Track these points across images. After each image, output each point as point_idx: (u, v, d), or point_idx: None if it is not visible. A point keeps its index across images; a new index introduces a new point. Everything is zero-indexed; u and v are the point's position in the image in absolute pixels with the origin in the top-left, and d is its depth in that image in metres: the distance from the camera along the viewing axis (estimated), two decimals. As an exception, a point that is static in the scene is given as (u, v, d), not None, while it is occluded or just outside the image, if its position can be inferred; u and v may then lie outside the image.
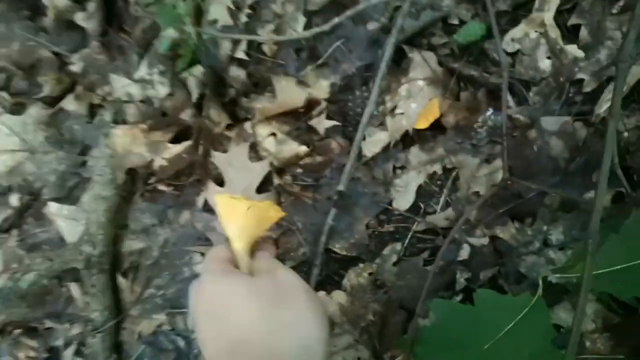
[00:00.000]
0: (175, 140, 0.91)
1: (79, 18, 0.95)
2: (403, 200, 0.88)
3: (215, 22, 0.89)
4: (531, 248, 0.82)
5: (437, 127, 0.87)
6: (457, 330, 0.71)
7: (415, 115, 0.86)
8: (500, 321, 0.68)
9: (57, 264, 0.87)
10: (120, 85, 0.90)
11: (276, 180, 0.89)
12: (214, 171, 0.92)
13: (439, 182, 0.88)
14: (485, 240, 0.83)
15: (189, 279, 0.90)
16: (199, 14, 0.88)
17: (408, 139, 0.88)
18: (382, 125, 0.89)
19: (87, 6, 0.94)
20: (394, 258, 0.87)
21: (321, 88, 0.90)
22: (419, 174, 0.88)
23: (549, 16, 0.85)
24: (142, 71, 0.90)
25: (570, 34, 0.86)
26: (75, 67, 0.96)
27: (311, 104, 0.90)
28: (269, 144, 0.90)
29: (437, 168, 0.87)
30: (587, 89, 0.84)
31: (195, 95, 0.89)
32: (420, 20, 0.87)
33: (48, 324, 0.93)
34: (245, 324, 0.43)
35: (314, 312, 0.46)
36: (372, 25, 0.90)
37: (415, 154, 0.88)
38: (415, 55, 0.87)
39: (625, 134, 0.81)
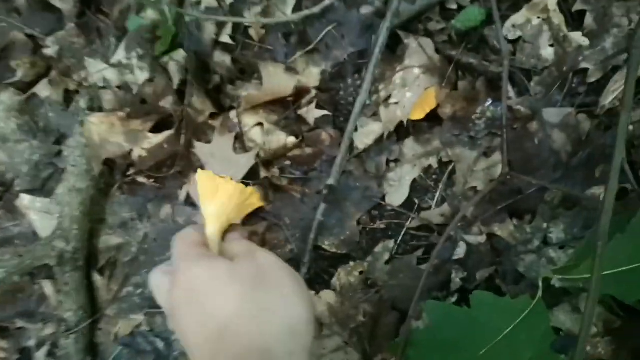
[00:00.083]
0: (156, 129, 0.85)
1: (54, -2, 0.89)
2: (396, 195, 0.83)
3: (198, 3, 0.84)
4: (530, 247, 0.78)
5: (433, 118, 0.82)
6: (452, 333, 0.67)
7: (411, 105, 0.81)
8: (498, 325, 0.65)
9: (28, 260, 0.82)
10: (97, 70, 0.84)
11: (263, 173, 0.84)
12: (197, 163, 0.87)
13: (434, 177, 0.84)
14: (482, 238, 0.79)
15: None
16: (179, -6, 0.83)
17: (402, 131, 0.84)
18: (375, 115, 0.84)
19: (62, -15, 0.88)
20: (387, 256, 0.82)
21: (311, 75, 0.85)
22: (413, 168, 0.83)
23: (552, 1, 0.80)
24: (120, 55, 0.84)
25: (575, 21, 0.81)
26: (50, 50, 0.90)
27: (300, 92, 0.85)
28: (255, 134, 0.85)
29: (433, 161, 0.83)
30: (592, 79, 0.79)
31: (176, 81, 0.83)
32: (416, 5, 0.83)
33: (19, 323, 0.88)
34: (230, 308, 0.41)
35: (298, 293, 0.45)
36: (365, 9, 0.85)
37: (410, 146, 0.83)
38: (411, 42, 0.82)
39: (630, 127, 0.77)
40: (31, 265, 0.83)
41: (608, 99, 0.77)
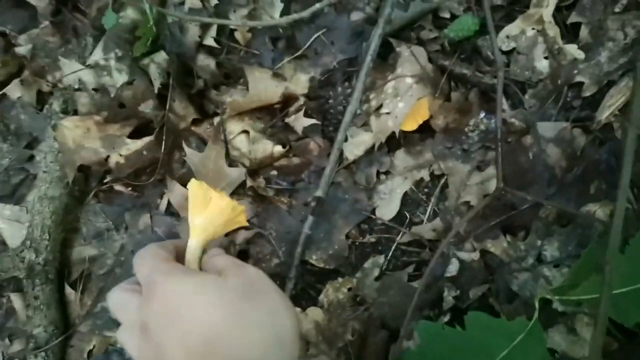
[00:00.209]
0: (135, 135, 0.81)
1: (28, -6, 0.84)
2: (387, 208, 0.80)
3: (182, 3, 0.80)
4: (524, 264, 0.76)
5: (425, 129, 0.80)
6: (445, 355, 0.65)
7: (403, 115, 0.78)
8: (493, 347, 0.63)
9: (-5, 272, 0.77)
10: (72, 71, 0.80)
11: (248, 183, 0.81)
12: (179, 171, 0.83)
13: (426, 190, 0.81)
14: (475, 255, 0.77)
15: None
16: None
17: (394, 142, 0.81)
18: (365, 125, 0.81)
19: (36, -20, 0.83)
20: (376, 272, 0.79)
21: (299, 82, 0.82)
22: (404, 180, 0.81)
23: (547, 12, 0.79)
24: (97, 55, 0.80)
25: (570, 33, 0.80)
26: (23, 49, 0.85)
27: (288, 99, 0.82)
28: (240, 142, 0.81)
29: (425, 174, 0.80)
30: (587, 93, 0.78)
31: (157, 85, 0.79)
32: (409, 12, 0.80)
33: (-16, 339, 0.82)
34: (216, 321, 0.39)
35: (286, 307, 0.44)
36: (356, 16, 0.83)
37: (401, 158, 0.81)
38: (403, 50, 0.80)
39: (625, 144, 0.76)
40: (-2, 278, 0.78)
41: (604, 114, 0.75)
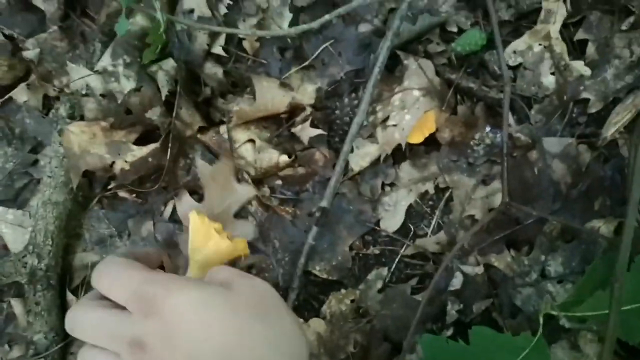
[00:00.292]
0: (140, 141, 0.81)
1: (37, -2, 0.84)
2: (391, 220, 0.80)
3: (191, 11, 0.80)
4: (528, 279, 0.76)
5: (430, 142, 0.80)
6: (449, 370, 0.65)
7: (409, 127, 0.78)
8: (498, 362, 0.62)
9: (-4, 277, 0.76)
10: (79, 77, 0.80)
11: (253, 192, 0.80)
12: (183, 178, 0.83)
13: (430, 203, 0.81)
14: (479, 269, 0.77)
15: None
16: (173, 0, 0.79)
17: (399, 154, 0.81)
18: (371, 137, 0.81)
19: (46, -15, 0.83)
20: (379, 284, 0.79)
21: (306, 93, 0.82)
22: (409, 193, 0.81)
23: (554, 29, 0.79)
24: (105, 61, 0.80)
25: (577, 49, 0.80)
26: (30, 53, 0.85)
27: (294, 109, 0.82)
28: (246, 151, 0.81)
29: (430, 187, 0.80)
30: (592, 109, 0.78)
31: (165, 92, 0.79)
32: (417, 25, 0.80)
33: (-17, 344, 0.82)
34: (229, 340, 0.37)
35: (297, 325, 0.42)
36: (364, 27, 0.83)
37: (406, 170, 0.81)
38: (410, 63, 0.80)
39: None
40: (-1, 283, 0.78)
41: (609, 130, 0.75)
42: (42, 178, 0.82)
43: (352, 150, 0.79)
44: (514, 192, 0.76)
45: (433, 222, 0.81)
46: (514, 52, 0.81)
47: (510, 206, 0.72)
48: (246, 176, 0.81)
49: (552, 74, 0.80)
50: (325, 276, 0.79)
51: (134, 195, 0.83)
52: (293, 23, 0.83)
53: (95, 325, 0.38)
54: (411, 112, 0.79)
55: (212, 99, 0.83)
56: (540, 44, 0.80)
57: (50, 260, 0.78)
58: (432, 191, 0.81)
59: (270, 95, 0.81)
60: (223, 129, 0.82)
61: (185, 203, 0.80)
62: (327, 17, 0.75)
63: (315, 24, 0.75)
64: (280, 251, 0.80)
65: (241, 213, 0.81)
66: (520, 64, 0.81)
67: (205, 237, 0.47)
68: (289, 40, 0.83)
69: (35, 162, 0.86)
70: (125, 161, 0.80)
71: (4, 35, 0.86)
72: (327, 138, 0.82)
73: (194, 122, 0.81)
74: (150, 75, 0.80)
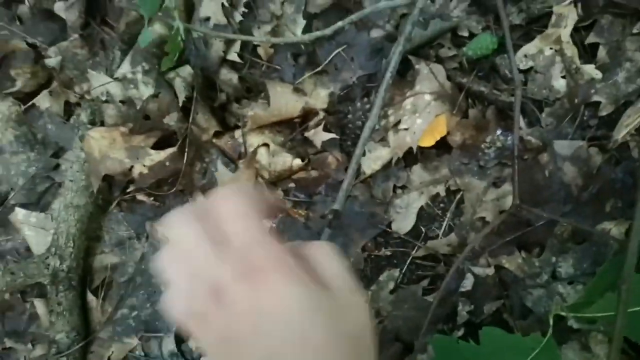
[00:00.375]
0: (158, 146, 0.83)
1: (59, 8, 0.87)
2: (403, 222, 0.82)
3: (207, 19, 0.82)
4: (539, 281, 0.76)
5: (442, 145, 0.81)
6: (460, 370, 0.65)
7: (421, 131, 0.80)
8: (508, 363, 0.63)
9: (20, 277, 0.79)
10: (100, 83, 0.82)
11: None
12: (200, 182, 0.85)
13: (442, 205, 0.82)
14: (490, 270, 0.78)
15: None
16: (189, 9, 0.81)
17: (410, 157, 0.82)
18: (383, 140, 0.83)
19: (67, -5, 0.86)
20: (391, 285, 0.80)
21: (319, 97, 0.84)
22: (421, 195, 0.82)
23: (565, 33, 0.80)
24: (125, 69, 0.82)
25: (587, 53, 0.81)
26: (52, 61, 0.88)
27: (308, 114, 0.84)
28: (260, 155, 0.83)
29: (441, 189, 0.81)
30: (604, 112, 0.79)
31: (182, 98, 0.81)
32: (428, 30, 0.82)
33: (8, 343, 0.85)
34: (328, 347, 0.31)
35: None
36: (376, 33, 0.84)
37: (417, 173, 0.82)
38: (422, 67, 0.81)
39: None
40: (23, 283, 0.81)
41: (621, 133, 0.76)
42: (64, 182, 0.84)
43: (364, 154, 0.81)
44: (525, 195, 0.76)
45: (444, 224, 0.82)
46: (525, 55, 0.81)
47: (521, 208, 0.72)
48: (260, 180, 0.82)
49: (563, 77, 0.80)
50: (338, 277, 0.81)
51: (152, 198, 0.85)
52: (306, 29, 0.84)
53: (193, 243, 0.31)
54: (423, 116, 0.80)
55: (228, 104, 0.86)
56: (551, 48, 0.81)
57: (72, 261, 0.81)
58: (443, 193, 0.82)
59: (284, 100, 0.83)
60: (238, 133, 0.84)
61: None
62: (339, 23, 0.76)
63: (328, 31, 0.76)
64: (294, 253, 0.82)
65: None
66: (532, 67, 0.81)
67: None
68: (302, 46, 0.85)
69: (57, 166, 0.89)
70: (144, 165, 0.82)
71: (27, 43, 0.90)
72: (340, 142, 0.84)
73: (210, 127, 0.84)
74: (168, 81, 0.82)
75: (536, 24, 0.82)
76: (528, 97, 0.81)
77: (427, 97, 0.80)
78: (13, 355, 0.84)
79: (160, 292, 0.82)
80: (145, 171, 0.83)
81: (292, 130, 0.85)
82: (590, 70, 0.79)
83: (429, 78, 0.81)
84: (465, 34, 0.83)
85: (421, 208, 0.82)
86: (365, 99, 0.84)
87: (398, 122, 0.81)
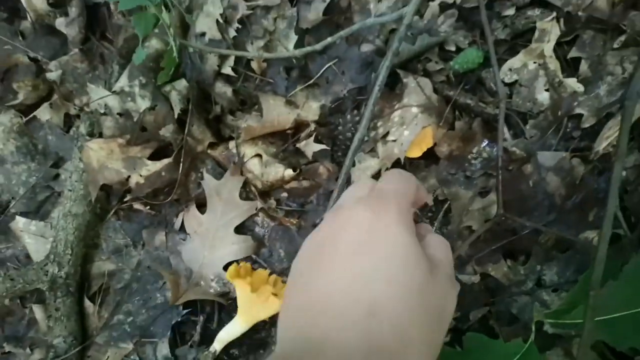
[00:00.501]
0: (155, 156, 0.86)
1: (60, 23, 0.91)
2: (392, 231, 0.83)
3: (202, 35, 0.85)
4: (524, 288, 0.78)
5: (430, 156, 0.83)
6: (445, 375, 0.67)
7: (408, 142, 0.82)
8: (491, 367, 0.65)
9: (20, 284, 0.81)
10: (98, 97, 0.85)
11: (259, 204, 0.85)
12: (195, 191, 0.87)
13: (430, 214, 0.85)
14: (476, 278, 0.79)
15: (161, 306, 0.85)
16: (185, 25, 0.84)
17: (399, 167, 0.84)
18: (372, 151, 0.85)
19: (68, 11, 0.89)
20: (380, 292, 0.82)
21: (310, 109, 0.86)
22: (409, 205, 0.84)
23: (548, 47, 0.82)
24: (123, 82, 0.85)
25: (570, 67, 0.83)
26: (53, 74, 0.91)
27: (299, 125, 0.86)
28: (253, 165, 0.86)
29: (429, 199, 0.83)
30: (586, 124, 0.81)
31: (177, 110, 0.84)
32: (416, 45, 0.84)
33: (7, 347, 0.87)
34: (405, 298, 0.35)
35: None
36: (366, 47, 0.87)
37: (406, 183, 0.84)
38: (410, 81, 0.84)
39: (624, 173, 0.79)
40: (22, 289, 0.83)
41: (602, 144, 0.78)
42: (63, 191, 0.87)
43: (354, 164, 0.83)
44: (510, 204, 0.79)
45: (432, 233, 0.84)
46: (510, 69, 0.84)
47: (505, 217, 0.75)
48: (253, 189, 0.85)
49: (547, 90, 0.83)
50: (328, 285, 0.83)
51: (148, 207, 0.88)
52: (298, 44, 0.87)
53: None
54: (410, 128, 0.83)
55: (222, 116, 0.88)
56: (535, 62, 0.83)
57: (70, 268, 0.83)
58: (431, 203, 0.84)
59: (276, 112, 0.85)
60: (232, 144, 0.86)
61: (192, 215, 0.85)
62: (329, 39, 0.79)
63: (318, 46, 0.79)
64: (286, 260, 0.84)
65: (246, 225, 0.86)
66: (516, 81, 0.84)
67: (250, 304, 0.71)
68: (294, 60, 0.87)
69: (57, 176, 0.91)
70: (140, 175, 0.85)
71: (29, 57, 0.93)
72: (331, 152, 0.86)
73: (205, 138, 0.86)
74: (164, 94, 0.85)
75: (521, 38, 0.85)
76: (513, 110, 0.83)
77: (414, 109, 0.83)
78: (12, 360, 0.87)
79: (154, 300, 0.85)
80: (142, 181, 0.85)
81: (284, 141, 0.87)
82: (572, 83, 0.81)
83: (416, 91, 0.83)
84: (453, 48, 0.86)
85: (410, 217, 0.84)
86: (356, 111, 0.87)
87: (387, 134, 0.84)
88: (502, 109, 0.78)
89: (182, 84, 0.84)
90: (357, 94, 0.87)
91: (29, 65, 0.93)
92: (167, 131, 0.85)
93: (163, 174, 0.85)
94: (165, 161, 0.85)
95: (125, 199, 0.88)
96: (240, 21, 0.85)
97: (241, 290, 0.78)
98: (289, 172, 0.84)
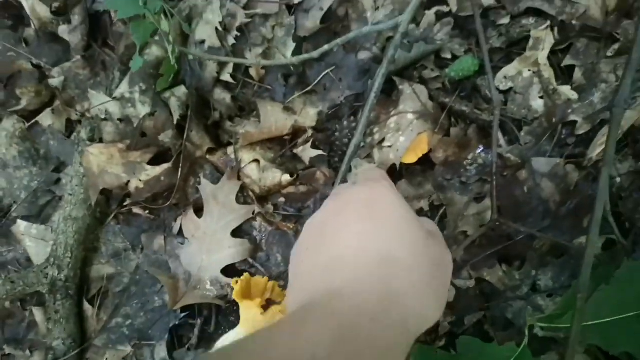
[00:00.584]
0: (154, 161, 0.87)
1: (63, 31, 0.92)
2: (388, 236, 0.84)
3: (202, 42, 0.86)
4: (519, 293, 0.79)
5: (425, 162, 0.84)
6: (439, 378, 0.68)
7: (404, 149, 0.83)
8: (484, 371, 0.65)
9: (20, 287, 0.82)
10: (99, 103, 0.87)
11: (257, 209, 0.86)
12: (193, 196, 0.88)
13: (425, 219, 0.85)
14: (471, 283, 0.80)
15: (159, 309, 0.86)
16: (185, 33, 0.86)
17: (396, 173, 0.85)
18: (369, 157, 0.86)
19: (71, 19, 0.91)
20: (376, 297, 0.83)
21: (308, 116, 0.88)
22: (405, 210, 0.85)
23: (543, 55, 0.83)
24: (123, 88, 0.87)
25: (564, 74, 0.84)
26: (55, 80, 0.92)
27: (297, 131, 0.87)
28: (251, 170, 0.87)
29: (425, 204, 0.85)
30: (580, 131, 0.82)
31: (177, 116, 0.85)
32: (412, 53, 0.85)
33: (7, 350, 0.88)
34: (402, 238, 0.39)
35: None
36: (363, 55, 0.88)
37: (402, 188, 0.85)
38: (405, 88, 0.85)
39: (618, 180, 0.79)
40: (23, 292, 0.84)
41: (595, 151, 0.79)
42: (64, 195, 0.88)
43: (350, 170, 0.84)
44: (505, 210, 0.80)
45: (427, 238, 0.84)
46: (505, 77, 0.85)
47: (500, 223, 0.75)
48: (251, 194, 0.86)
49: (541, 97, 0.84)
50: (324, 289, 0.83)
51: (148, 211, 0.89)
52: (297, 52, 0.88)
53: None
54: (405, 134, 0.84)
55: (221, 122, 0.89)
56: (529, 70, 0.84)
57: (70, 271, 0.84)
58: (427, 208, 0.85)
59: (274, 119, 0.86)
60: (230, 150, 0.87)
61: (190, 219, 0.86)
62: (326, 47, 0.80)
63: (315, 54, 0.80)
64: (283, 265, 0.85)
65: (244, 229, 0.86)
66: (511, 88, 0.85)
67: (254, 319, 0.70)
68: (292, 67, 0.89)
69: (58, 180, 0.93)
70: (140, 180, 0.86)
71: (32, 64, 0.94)
72: (328, 158, 0.87)
73: (204, 144, 0.87)
74: (163, 101, 0.86)
75: (515, 47, 0.86)
76: (508, 117, 0.84)
77: (410, 116, 0.84)
78: (11, 362, 0.87)
79: (152, 303, 0.86)
80: (141, 186, 0.86)
81: (282, 147, 0.88)
82: (566, 91, 0.82)
83: (412, 98, 0.85)
84: (448, 56, 0.87)
85: (406, 222, 0.85)
86: (352, 118, 0.88)
87: (383, 140, 0.85)
88: (497, 115, 0.79)
89: (181, 90, 0.86)
90: (354, 101, 0.88)
91: (32, 72, 0.94)
92: (166, 137, 0.86)
93: (162, 178, 0.86)
94: (165, 166, 0.86)
95: (125, 204, 0.89)
96: (239, 29, 0.87)
97: (248, 309, 0.77)
98: (287, 178, 0.85)
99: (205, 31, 0.86)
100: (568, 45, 0.83)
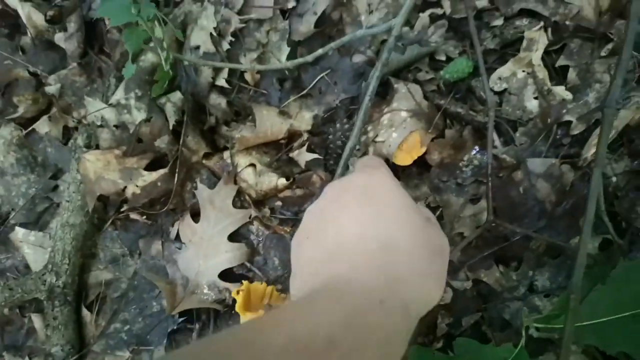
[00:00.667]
0: (150, 167, 0.87)
1: (59, 38, 0.93)
2: (384, 238, 0.84)
3: (197, 48, 0.87)
4: (516, 294, 0.79)
5: (422, 164, 0.84)
6: (436, 380, 0.68)
7: (396, 145, 0.83)
8: (481, 373, 0.66)
9: (19, 293, 0.83)
10: (96, 109, 0.87)
11: (254, 213, 0.86)
12: (190, 201, 0.88)
13: (421, 221, 0.85)
14: (468, 284, 0.80)
15: (157, 314, 0.86)
16: (179, 39, 0.86)
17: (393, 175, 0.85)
18: (365, 155, 0.86)
19: (67, 27, 0.91)
20: (373, 299, 0.83)
21: (303, 120, 0.88)
22: (401, 212, 0.85)
23: (536, 56, 0.83)
24: (119, 95, 0.87)
25: (558, 75, 0.84)
26: (52, 88, 0.93)
27: (293, 135, 0.87)
28: (247, 174, 0.87)
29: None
30: (575, 131, 0.82)
31: (172, 121, 0.86)
32: (405, 55, 0.86)
33: (7, 356, 0.88)
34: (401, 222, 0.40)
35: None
36: (358, 58, 0.89)
37: (398, 191, 0.85)
38: (400, 87, 0.85)
39: (614, 179, 0.79)
40: (21, 299, 0.84)
41: (590, 151, 0.79)
42: (61, 202, 0.88)
43: (347, 169, 0.84)
44: (501, 211, 0.80)
45: (424, 240, 0.84)
46: (499, 78, 0.85)
47: (496, 224, 0.76)
48: (247, 198, 0.86)
49: (536, 98, 0.84)
50: (322, 292, 0.84)
51: (145, 217, 0.89)
52: (291, 56, 0.89)
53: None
54: (398, 131, 0.84)
55: (217, 127, 0.90)
56: (523, 71, 0.84)
57: (68, 278, 0.85)
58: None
59: (270, 123, 0.87)
60: (227, 154, 0.88)
61: (187, 224, 0.86)
62: (320, 51, 0.81)
63: (309, 58, 0.81)
64: (280, 268, 0.85)
65: (241, 233, 0.87)
66: (506, 89, 0.85)
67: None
68: (287, 71, 0.89)
69: (56, 187, 0.93)
70: (137, 186, 0.86)
71: (29, 72, 0.95)
72: (323, 161, 0.87)
73: (200, 149, 0.88)
74: (159, 106, 0.87)
75: (509, 48, 0.86)
76: (503, 118, 0.84)
77: (404, 114, 0.84)
78: (10, 369, 0.88)
79: (150, 309, 0.86)
80: (138, 191, 0.87)
81: (277, 151, 0.88)
82: (561, 91, 0.82)
83: (406, 97, 0.85)
84: (443, 58, 0.87)
85: (402, 224, 0.85)
86: (348, 120, 0.88)
87: (376, 136, 0.85)
88: (491, 117, 0.79)
89: (177, 96, 0.86)
90: (350, 104, 0.88)
91: (29, 80, 0.95)
92: (162, 142, 0.86)
93: (159, 184, 0.87)
94: (161, 172, 0.87)
95: (122, 209, 0.89)
96: (234, 34, 0.87)
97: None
98: (283, 181, 0.85)
99: (199, 37, 0.86)
100: (562, 45, 0.83)
